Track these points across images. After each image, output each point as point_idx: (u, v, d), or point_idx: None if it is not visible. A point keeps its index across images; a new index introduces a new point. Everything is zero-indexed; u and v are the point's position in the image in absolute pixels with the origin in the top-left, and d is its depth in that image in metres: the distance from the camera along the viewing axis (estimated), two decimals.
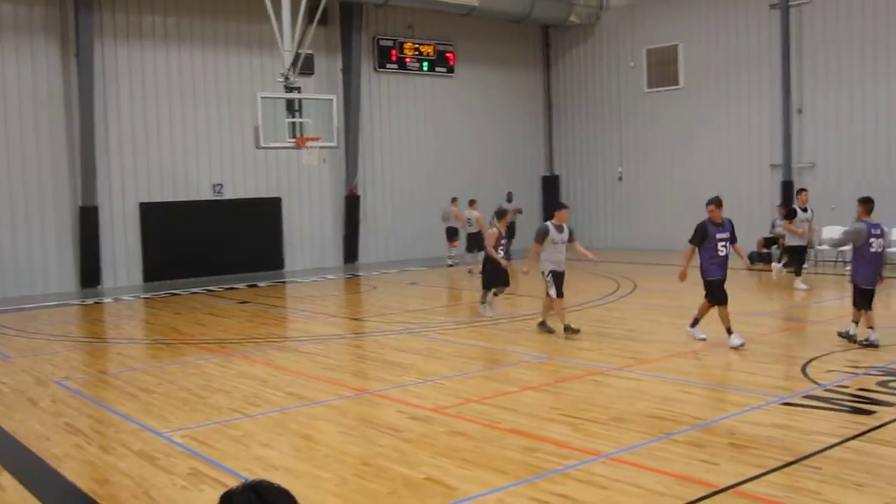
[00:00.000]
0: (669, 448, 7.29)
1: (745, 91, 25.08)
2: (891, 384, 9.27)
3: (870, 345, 11.11)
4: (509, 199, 25.60)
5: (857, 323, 11.45)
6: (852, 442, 7.30)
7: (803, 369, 10.10)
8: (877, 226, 11.28)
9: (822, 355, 10.79)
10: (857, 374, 9.80)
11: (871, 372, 9.84)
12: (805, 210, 17.43)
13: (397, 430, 8.09)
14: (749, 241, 22.84)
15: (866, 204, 11.48)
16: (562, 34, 30.03)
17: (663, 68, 27.17)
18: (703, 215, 12.21)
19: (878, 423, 7.80)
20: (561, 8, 28.46)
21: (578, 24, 29.09)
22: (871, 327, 11.22)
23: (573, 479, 6.63)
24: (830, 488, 6.27)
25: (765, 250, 22.53)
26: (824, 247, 11.42)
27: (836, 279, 19.47)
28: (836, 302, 16.20)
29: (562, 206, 13.19)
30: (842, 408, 8.41)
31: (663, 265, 22.63)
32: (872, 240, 11.14)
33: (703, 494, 6.21)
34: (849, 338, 11.43)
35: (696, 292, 16.67)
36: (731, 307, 14.38)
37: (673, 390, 9.32)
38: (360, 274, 23.32)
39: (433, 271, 23.26)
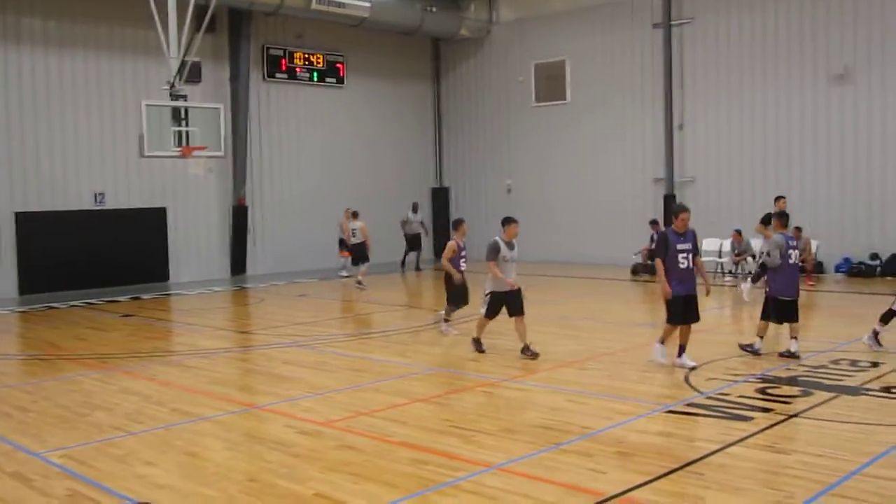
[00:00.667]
0: (558, 458, 7.38)
1: (630, 106, 25.77)
2: (768, 391, 9.61)
3: (791, 356, 11.26)
4: (414, 210, 25.60)
5: (762, 337, 11.60)
6: (733, 448, 7.52)
7: (686, 378, 10.37)
8: (791, 237, 11.61)
9: (704, 364, 11.11)
10: (736, 381, 10.11)
11: (750, 379, 10.18)
12: None
13: (286, 445, 7.95)
14: (634, 252, 23.50)
15: (781, 218, 11.86)
16: (452, 47, 30.28)
17: (551, 83, 27.68)
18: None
19: (756, 430, 8.06)
20: (452, 21, 28.69)
21: (469, 38, 29.38)
22: (794, 338, 11.41)
23: (464, 490, 6.63)
24: (713, 493, 6.45)
25: (649, 262, 23.08)
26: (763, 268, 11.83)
27: (716, 289, 20.11)
28: (716, 311, 16.72)
29: (510, 221, 11.91)
30: (723, 415, 8.66)
31: (551, 277, 23.00)
32: (790, 252, 11.39)
33: (591, 503, 6.29)
34: (753, 351, 11.55)
35: (579, 303, 16.96)
36: (614, 317, 14.67)
37: (561, 400, 9.44)
38: (248, 286, 22.93)
39: (323, 283, 23.06)
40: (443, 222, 30.31)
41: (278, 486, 6.87)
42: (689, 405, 9.06)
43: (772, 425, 8.21)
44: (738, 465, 7.06)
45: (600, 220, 26.00)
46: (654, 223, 23.31)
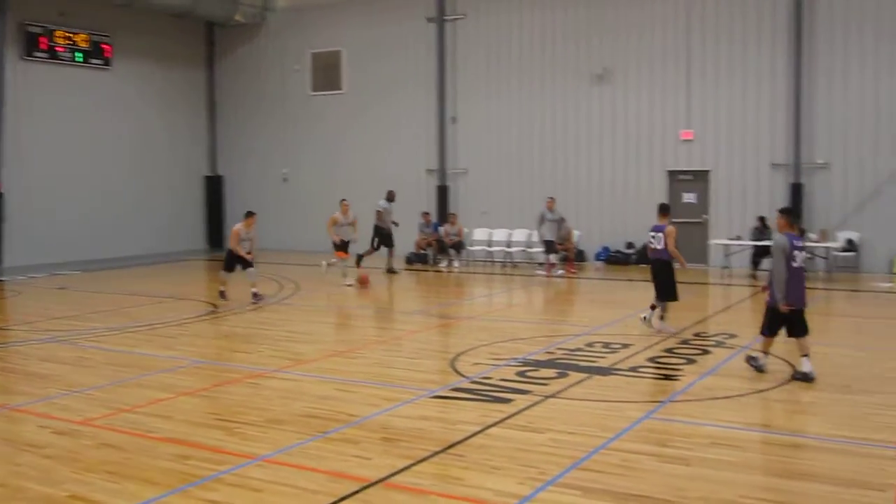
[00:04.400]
0: (324, 446, 7.44)
1: (405, 98, 26.15)
2: (527, 374, 10.09)
3: (804, 378, 9.67)
4: (390, 199, 21.46)
5: (766, 353, 10.13)
6: (492, 429, 7.86)
7: (452, 363, 10.72)
8: (797, 237, 9.91)
9: (470, 349, 11.52)
10: (498, 365, 10.55)
11: (511, 363, 10.65)
12: None
13: (39, 447, 7.55)
14: (408, 242, 23.92)
15: (788, 216, 10.09)
16: (227, 32, 29.56)
17: (327, 73, 27.64)
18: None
19: (515, 411, 8.46)
20: (225, 6, 28.00)
21: (244, 24, 28.78)
22: (805, 355, 9.79)
23: (227, 484, 6.57)
24: (472, 474, 6.72)
25: (421, 251, 23.62)
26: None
27: (485, 277, 20.90)
28: (484, 299, 17.35)
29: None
30: (484, 398, 9.02)
31: None
32: (795, 253, 9.73)
33: (355, 489, 6.39)
34: (757, 367, 10.07)
35: (353, 292, 17.06)
36: (386, 305, 14.97)
37: (330, 389, 9.52)
38: (4, 278, 21.43)
39: (86, 275, 21.93)
40: (216, 212, 29.67)
41: (29, 489, 6.52)
42: (453, 390, 9.37)
43: (529, 406, 8.64)
44: (497, 445, 7.39)
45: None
46: (426, 214, 23.89)
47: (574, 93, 23.52)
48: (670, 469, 6.78)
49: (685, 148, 22.26)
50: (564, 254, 21.46)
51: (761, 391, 9.27)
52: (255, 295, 16.13)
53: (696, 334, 12.66)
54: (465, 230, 23.43)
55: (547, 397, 9.00)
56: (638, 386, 9.56)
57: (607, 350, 11.46)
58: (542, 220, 20.95)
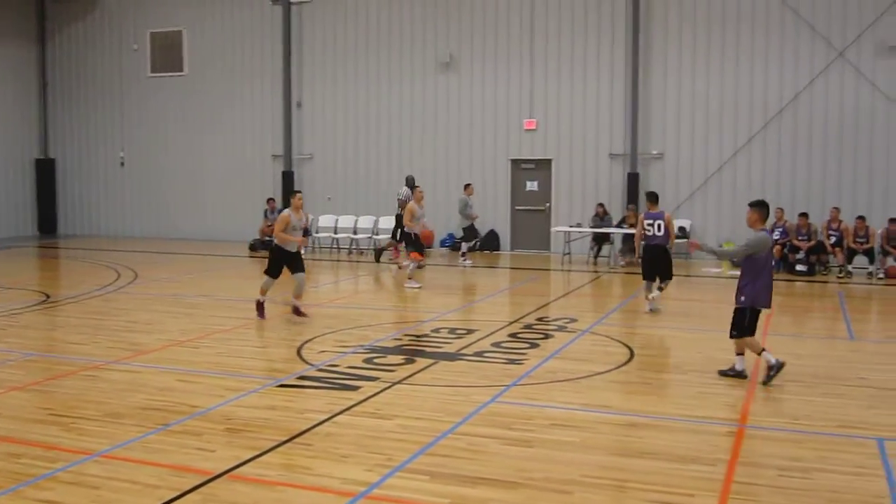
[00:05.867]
0: (165, 439, 7.21)
1: (249, 82, 25.64)
2: (374, 360, 10.09)
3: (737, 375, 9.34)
4: (409, 184, 20.33)
5: (742, 354, 9.31)
6: (340, 417, 7.82)
7: (298, 351, 10.60)
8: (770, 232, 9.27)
9: (316, 337, 11.43)
10: (345, 353, 10.50)
11: (358, 350, 10.63)
12: None
13: None
14: (252, 230, 23.51)
15: (761, 210, 9.15)
16: (60, 7, 28.14)
17: (167, 53, 26.74)
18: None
19: (362, 398, 8.45)
20: None
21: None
22: (741, 354, 9.36)
23: (62, 482, 6.26)
24: (320, 462, 6.66)
25: (266, 238, 23.23)
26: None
27: (331, 264, 20.78)
28: (330, 286, 17.22)
29: None
30: (332, 385, 8.96)
31: (167, 254, 22.32)
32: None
33: (198, 482, 6.22)
34: (738, 374, 9.30)
35: (194, 280, 16.60)
36: (230, 294, 14.62)
37: (172, 380, 9.23)
38: None
39: None
40: (48, 196, 28.29)
41: None
42: (299, 378, 9.26)
43: (377, 393, 8.64)
44: (345, 433, 7.36)
45: (219, 195, 25.65)
46: (271, 200, 23.55)
47: (420, 80, 23.66)
48: (515, 451, 6.92)
49: (528, 137, 22.76)
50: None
51: (600, 373, 9.60)
52: (296, 310, 12.82)
53: (539, 319, 12.99)
54: (311, 217, 23.21)
55: (394, 384, 9.02)
56: (483, 370, 9.72)
57: (453, 336, 11.60)
58: (466, 205, 20.72)
